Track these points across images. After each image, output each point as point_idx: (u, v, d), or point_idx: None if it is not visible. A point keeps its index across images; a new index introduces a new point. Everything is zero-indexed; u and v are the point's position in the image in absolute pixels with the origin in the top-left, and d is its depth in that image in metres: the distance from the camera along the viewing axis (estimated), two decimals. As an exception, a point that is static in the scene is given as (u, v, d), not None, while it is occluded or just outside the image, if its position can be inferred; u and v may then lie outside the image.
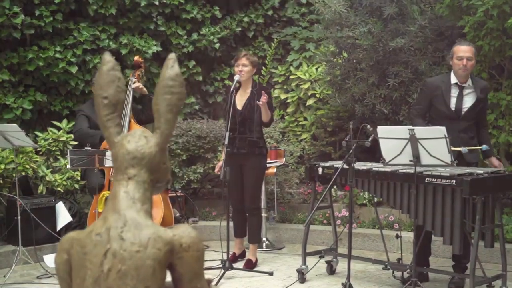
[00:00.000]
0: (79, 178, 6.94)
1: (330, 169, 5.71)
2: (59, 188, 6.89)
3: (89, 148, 5.78)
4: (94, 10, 7.72)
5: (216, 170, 6.40)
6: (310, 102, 8.59)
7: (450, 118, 5.43)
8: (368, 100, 7.18)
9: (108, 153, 5.85)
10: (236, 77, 6.13)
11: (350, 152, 5.08)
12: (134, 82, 6.71)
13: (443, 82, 5.51)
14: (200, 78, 8.71)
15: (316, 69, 8.71)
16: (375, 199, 7.48)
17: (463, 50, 5.39)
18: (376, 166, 5.46)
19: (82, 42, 7.61)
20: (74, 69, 7.54)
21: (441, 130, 4.69)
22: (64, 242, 2.31)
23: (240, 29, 8.98)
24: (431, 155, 4.79)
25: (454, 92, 5.47)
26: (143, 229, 2.24)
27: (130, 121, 6.51)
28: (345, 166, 5.12)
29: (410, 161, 4.84)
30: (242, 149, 6.14)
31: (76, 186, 7.01)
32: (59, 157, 7.10)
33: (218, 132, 7.86)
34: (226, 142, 5.83)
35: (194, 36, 8.60)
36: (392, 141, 4.88)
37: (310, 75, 8.64)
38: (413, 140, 4.78)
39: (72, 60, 7.54)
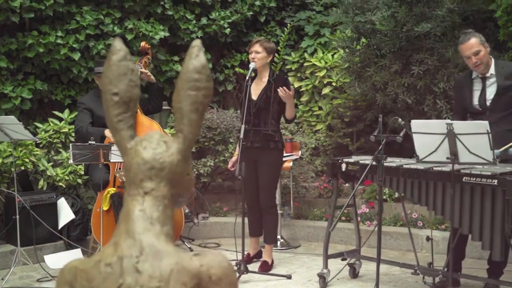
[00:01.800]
0: (82, 173, 6.50)
1: (355, 166, 5.26)
2: (60, 183, 6.46)
3: (93, 142, 5.33)
4: (97, -8, 7.25)
5: (229, 166, 5.95)
6: (325, 90, 8.13)
7: (477, 113, 5.05)
8: (390, 89, 6.72)
9: (114, 147, 5.41)
10: (251, 65, 5.68)
11: (380, 148, 4.65)
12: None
13: (466, 78, 5.18)
14: (210, 66, 8.24)
15: (332, 55, 8.24)
16: (396, 195, 7.06)
17: (465, 48, 4.98)
18: (407, 162, 5.01)
19: (85, 27, 7.12)
20: (76, 56, 7.06)
21: (483, 125, 4.24)
22: (66, 272, 1.87)
23: (251, 13, 8.49)
24: (470, 152, 4.33)
25: (478, 86, 5.09)
26: (163, 258, 1.80)
27: (136, 112, 6.05)
28: (373, 163, 4.67)
29: (447, 158, 4.39)
30: (256, 143, 5.69)
31: (79, 181, 6.57)
32: (60, 149, 6.66)
33: (229, 123, 7.42)
34: (241, 135, 5.38)
35: (204, 20, 8.11)
36: (427, 136, 4.42)
37: (326, 62, 8.18)
38: (451, 136, 4.33)
39: (74, 46, 7.05)
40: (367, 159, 5.29)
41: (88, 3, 7.30)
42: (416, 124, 4.46)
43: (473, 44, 4.94)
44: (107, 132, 5.85)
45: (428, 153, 4.48)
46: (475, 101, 5.06)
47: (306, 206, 7.43)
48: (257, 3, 8.54)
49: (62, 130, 6.70)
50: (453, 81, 6.50)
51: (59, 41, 6.97)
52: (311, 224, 7.16)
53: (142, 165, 1.94)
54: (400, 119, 4.73)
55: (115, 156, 5.41)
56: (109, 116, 2.02)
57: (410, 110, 6.95)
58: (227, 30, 8.17)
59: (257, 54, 5.68)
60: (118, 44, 2.03)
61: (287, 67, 8.60)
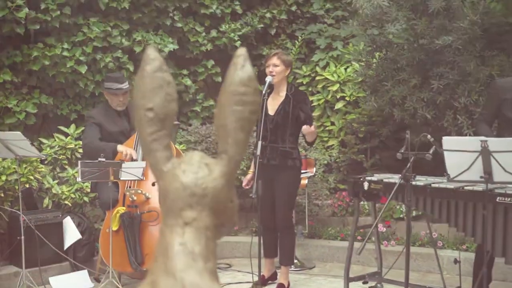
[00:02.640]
0: (88, 190, 6.24)
1: (379, 184, 5.01)
2: (66, 202, 6.19)
3: (103, 159, 5.07)
4: (105, 3, 6.99)
5: (244, 183, 5.68)
6: (339, 105, 7.88)
7: None
8: (409, 104, 6.47)
9: (125, 164, 5.15)
10: (267, 79, 5.43)
11: (408, 166, 4.39)
12: None
13: None
14: (220, 79, 7.98)
15: (345, 69, 8.00)
16: (414, 213, 6.81)
17: None
18: (434, 181, 4.75)
19: (92, 39, 6.89)
20: (83, 69, 6.81)
21: (521, 142, 3.99)
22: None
23: (262, 25, 8.25)
24: (506, 171, 4.08)
25: None
26: (209, 300, 1.55)
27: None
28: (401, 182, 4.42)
29: (481, 177, 4.13)
30: (273, 160, 5.42)
31: (86, 199, 6.30)
32: (66, 166, 6.40)
33: (241, 138, 7.16)
34: (258, 152, 5.12)
35: (213, 33, 7.88)
36: (460, 154, 4.16)
37: (339, 76, 7.93)
38: (485, 154, 4.07)
39: (81, 58, 6.81)
40: (390, 178, 5.04)
41: (95, 14, 7.07)
42: (448, 141, 4.20)
43: None
44: (119, 147, 5.60)
45: (460, 172, 4.22)
46: None
47: (319, 225, 7.17)
48: (268, 15, 8.33)
49: (68, 146, 6.44)
50: (474, 95, 6.27)
51: (65, 53, 6.73)
52: (326, 243, 6.88)
53: (182, 191, 1.69)
54: (429, 136, 4.48)
55: (125, 174, 5.16)
56: (142, 135, 1.77)
57: (429, 126, 6.71)
58: (238, 43, 7.93)
59: (275, 67, 5.44)
60: (152, 53, 1.78)
61: (298, 81, 8.37)
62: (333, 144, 7.91)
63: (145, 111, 1.76)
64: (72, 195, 6.20)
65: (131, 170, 5.12)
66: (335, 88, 7.89)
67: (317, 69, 8.23)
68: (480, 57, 6.44)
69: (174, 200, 1.68)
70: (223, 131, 1.76)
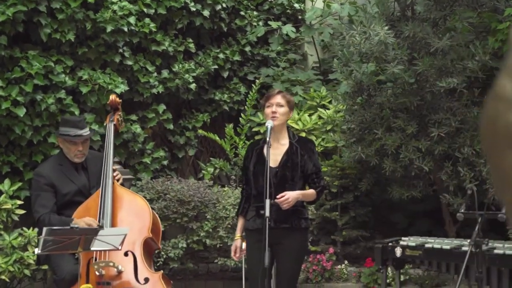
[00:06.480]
0: (31, 262, 5.00)
1: (417, 250, 4.15)
2: (3, 276, 4.93)
3: (77, 225, 3.92)
4: (47, 34, 5.83)
5: (234, 254, 4.61)
6: (307, 156, 7.02)
7: None
8: (404, 154, 5.72)
9: (102, 231, 4.02)
10: (268, 124, 4.46)
11: (477, 229, 3.56)
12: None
13: None
14: (171, 127, 6.93)
15: (309, 116, 7.20)
16: (402, 278, 6.01)
17: None
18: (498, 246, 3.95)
19: (32, 76, 5.69)
20: (21, 112, 5.59)
21: None
22: None
23: (216, 67, 7.31)
24: None
25: None
26: None
27: (113, 183, 4.70)
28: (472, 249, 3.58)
29: None
30: (282, 223, 4.40)
31: (27, 272, 5.06)
32: (1, 232, 5.14)
33: (204, 195, 6.16)
34: (267, 213, 4.13)
35: (165, 73, 6.84)
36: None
37: (304, 124, 7.10)
38: None
39: (18, 99, 5.60)
40: (429, 242, 4.21)
41: (35, 47, 5.90)
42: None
43: None
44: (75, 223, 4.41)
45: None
46: None
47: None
48: (221, 56, 7.39)
49: (3, 207, 5.20)
50: (477, 144, 5.62)
51: (-1, 92, 5.53)
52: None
53: None
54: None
55: (99, 243, 4.02)
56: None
57: (420, 179, 6.00)
58: (193, 85, 6.93)
59: (279, 107, 4.47)
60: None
61: (254, 129, 7.45)
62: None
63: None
64: (10, 268, 4.95)
65: (107, 238, 4.01)
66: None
67: (277, 116, 7.37)
68: (479, 102, 5.82)
69: None
70: None
